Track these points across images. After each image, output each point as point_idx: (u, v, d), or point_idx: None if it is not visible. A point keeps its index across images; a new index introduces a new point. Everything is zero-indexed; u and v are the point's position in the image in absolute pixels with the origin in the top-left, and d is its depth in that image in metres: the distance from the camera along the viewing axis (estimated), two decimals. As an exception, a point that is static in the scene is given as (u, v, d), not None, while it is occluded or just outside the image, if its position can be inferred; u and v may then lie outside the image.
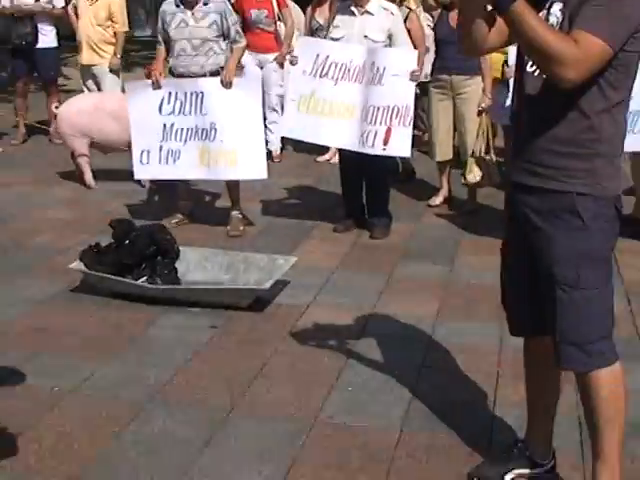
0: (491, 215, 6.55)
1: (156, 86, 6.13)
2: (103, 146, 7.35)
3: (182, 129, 6.12)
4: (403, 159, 7.66)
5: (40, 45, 9.07)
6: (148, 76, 6.37)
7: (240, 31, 6.32)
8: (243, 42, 6.28)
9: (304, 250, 5.93)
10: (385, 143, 6.01)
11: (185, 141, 6.13)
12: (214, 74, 6.09)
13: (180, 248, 5.23)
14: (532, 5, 2.58)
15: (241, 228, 6.29)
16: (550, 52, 2.50)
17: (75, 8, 8.86)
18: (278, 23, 8.60)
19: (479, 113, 6.62)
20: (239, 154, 6.01)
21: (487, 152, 6.70)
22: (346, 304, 4.94)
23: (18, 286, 5.16)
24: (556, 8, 2.72)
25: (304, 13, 8.81)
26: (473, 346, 4.37)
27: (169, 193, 6.93)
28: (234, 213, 6.37)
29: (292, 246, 5.99)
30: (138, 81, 6.76)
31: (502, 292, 3.16)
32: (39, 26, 9.04)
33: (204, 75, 6.10)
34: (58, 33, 9.32)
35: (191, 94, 6.06)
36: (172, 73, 6.23)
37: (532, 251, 2.86)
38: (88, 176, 7.50)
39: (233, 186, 6.39)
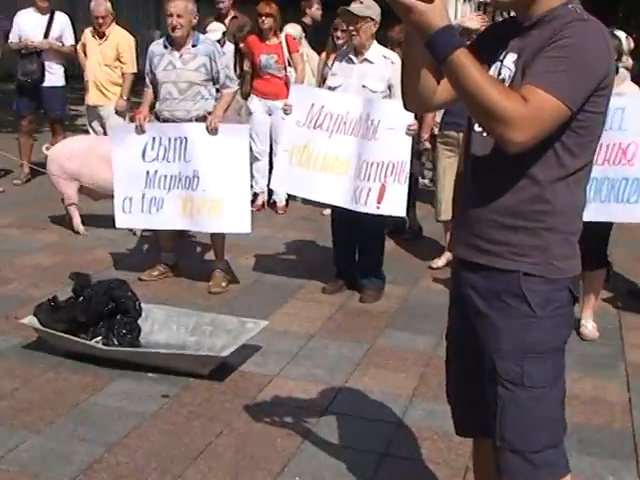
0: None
1: (140, 131, 5.83)
2: (93, 191, 7.05)
3: (165, 176, 5.80)
4: (408, 214, 7.27)
5: (47, 83, 8.86)
6: (133, 120, 6.08)
7: (232, 75, 6.01)
8: (234, 87, 5.97)
9: (285, 312, 5.55)
10: (379, 201, 5.62)
11: (168, 189, 5.80)
12: (201, 120, 5.77)
13: (145, 306, 4.88)
14: (484, 55, 2.21)
15: (223, 285, 5.93)
16: (493, 110, 2.12)
17: (84, 46, 8.66)
18: (289, 68, 8.31)
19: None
20: (222, 205, 5.66)
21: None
22: (316, 376, 4.55)
23: (-32, 339, 4.84)
24: (509, 60, 2.35)
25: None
26: (445, 433, 3.92)
27: (155, 243, 6.60)
28: (217, 268, 6.02)
29: (274, 307, 5.62)
30: (122, 125, 6.49)
31: (446, 385, 2.76)
32: (47, 64, 8.83)
33: (190, 121, 5.78)
34: (66, 72, 9.10)
35: (175, 140, 5.75)
36: (158, 118, 5.93)
37: (476, 338, 2.46)
38: (76, 221, 7.21)
39: (217, 239, 6.05)
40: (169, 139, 5.76)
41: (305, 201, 8.53)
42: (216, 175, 5.68)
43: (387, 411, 4.16)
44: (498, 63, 2.36)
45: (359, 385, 4.45)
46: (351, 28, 5.65)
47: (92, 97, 8.59)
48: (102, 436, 3.78)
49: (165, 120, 5.86)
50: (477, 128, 2.38)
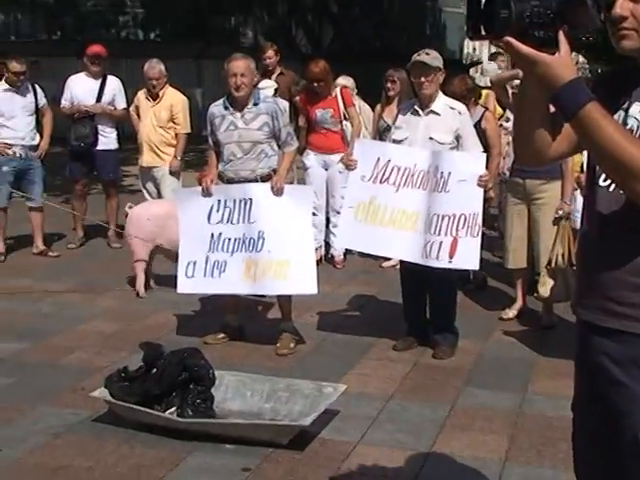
0: (570, 332, 5.87)
1: (206, 193, 5.73)
2: (171, 253, 6.91)
3: (229, 239, 5.67)
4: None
5: (100, 147, 8.82)
6: (200, 182, 5.98)
7: (292, 133, 5.90)
8: (295, 145, 5.86)
9: (359, 373, 5.36)
10: (451, 256, 5.43)
11: (232, 252, 5.66)
12: (266, 178, 5.65)
13: (217, 372, 4.71)
14: (605, 106, 2.04)
15: (291, 346, 5.76)
16: (632, 167, 1.96)
17: (137, 109, 8.63)
18: (344, 122, 8.20)
19: (556, 221, 6.01)
20: (288, 266, 5.51)
21: (569, 263, 6.07)
22: (400, 441, 4.33)
23: (37, 415, 4.67)
24: (636, 109, 2.18)
25: (373, 111, 8.46)
26: (547, 500, 3.71)
27: (219, 305, 6.45)
28: (284, 330, 5.85)
29: (346, 367, 5.42)
30: (189, 188, 6.39)
31: (574, 459, 2.54)
32: (99, 127, 8.80)
33: (255, 179, 5.67)
34: (119, 134, 9.08)
35: (240, 201, 5.63)
36: (221, 178, 5.82)
37: (609, 410, 2.25)
38: (140, 282, 7.11)
39: (284, 299, 5.89)
40: (234, 201, 5.65)
41: (363, 254, 8.34)
42: (281, 236, 5.55)
43: (481, 478, 3.93)
44: (621, 112, 2.19)
45: (447, 449, 4.23)
46: (422, 80, 5.51)
47: (146, 159, 8.53)
48: (186, 516, 3.60)
49: (229, 180, 5.74)
50: (602, 183, 2.21)
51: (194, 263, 5.75)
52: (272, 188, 5.58)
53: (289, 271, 5.51)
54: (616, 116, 2.21)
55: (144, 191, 8.71)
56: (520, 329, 6.25)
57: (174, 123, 8.45)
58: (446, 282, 5.72)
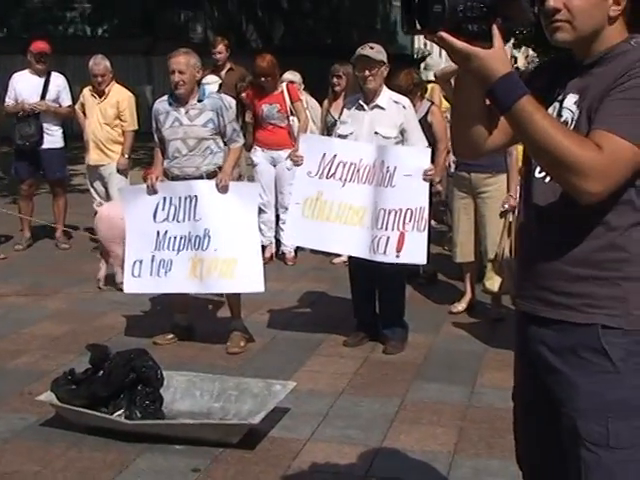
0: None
1: (151, 191, 5.67)
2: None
3: (175, 237, 5.62)
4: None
5: (46, 145, 8.69)
6: (145, 180, 5.91)
7: (238, 129, 5.85)
8: (240, 141, 5.82)
9: (309, 370, 5.35)
10: (398, 250, 5.43)
11: (178, 251, 5.61)
12: (211, 175, 5.61)
13: (166, 373, 4.67)
14: (538, 96, 2.05)
15: (242, 344, 5.72)
16: (567, 160, 1.97)
17: (83, 106, 8.51)
18: (291, 118, 8.18)
19: (502, 214, 6.05)
20: (234, 265, 5.46)
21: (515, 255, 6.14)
22: (351, 437, 4.33)
23: (-17, 421, 4.61)
24: (571, 101, 2.19)
25: (321, 106, 8.44)
26: (495, 493, 3.73)
27: (168, 304, 6.40)
28: (234, 328, 5.81)
29: (296, 365, 5.42)
30: (134, 186, 6.33)
31: (516, 448, 2.56)
32: (45, 126, 8.66)
33: (201, 176, 5.62)
34: (65, 132, 8.94)
35: (185, 199, 5.58)
36: (167, 175, 5.76)
37: (549, 398, 2.27)
38: (102, 274, 7.07)
39: (233, 298, 5.85)
40: (179, 198, 5.59)
41: (314, 251, 8.33)
42: (227, 234, 5.51)
43: (430, 472, 3.95)
44: (556, 104, 2.21)
45: (397, 444, 4.24)
46: (366, 74, 5.50)
47: (93, 157, 8.42)
48: (135, 519, 3.56)
49: (174, 177, 5.69)
50: (538, 174, 2.23)
51: (140, 262, 5.69)
52: (217, 185, 5.53)
53: (235, 269, 5.47)
54: (551, 108, 2.23)
55: (92, 190, 8.60)
56: (469, 322, 6.30)
57: (121, 120, 8.36)
58: (394, 277, 5.72)
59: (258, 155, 8.20)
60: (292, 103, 8.10)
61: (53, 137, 8.77)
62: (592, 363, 2.17)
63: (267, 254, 8.29)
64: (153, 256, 5.67)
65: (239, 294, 5.82)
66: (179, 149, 5.62)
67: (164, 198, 5.65)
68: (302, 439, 4.32)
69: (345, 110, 5.77)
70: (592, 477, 2.18)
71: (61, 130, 8.87)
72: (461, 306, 6.53)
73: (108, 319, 6.42)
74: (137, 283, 5.73)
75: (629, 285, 2.16)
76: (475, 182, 6.26)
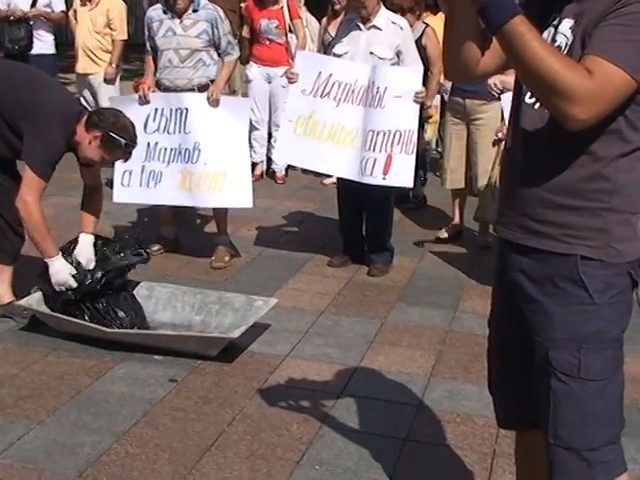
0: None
1: (143, 101, 5.58)
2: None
3: (165, 149, 5.56)
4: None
5: (35, 51, 8.49)
6: (137, 90, 5.81)
7: (233, 42, 5.73)
8: (235, 54, 5.71)
9: (292, 287, 5.36)
10: (385, 172, 5.38)
11: (168, 162, 5.56)
12: (203, 88, 5.52)
13: (148, 284, 4.69)
14: (534, 21, 1.99)
15: (226, 259, 5.72)
16: (556, 85, 1.91)
17: (75, 13, 8.34)
18: (290, 35, 8.03)
19: (495, 142, 5.98)
20: (223, 179, 5.43)
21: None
22: (329, 355, 4.36)
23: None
24: (566, 26, 2.11)
25: (320, 25, 8.28)
26: (467, 415, 3.76)
27: (155, 216, 6.37)
28: (219, 243, 5.80)
29: (280, 282, 5.42)
30: (125, 96, 6.23)
31: (488, 375, 2.56)
32: (36, 32, 8.46)
33: (192, 89, 5.53)
34: (56, 39, 8.76)
35: (176, 110, 5.50)
36: (158, 87, 5.66)
37: (524, 326, 2.26)
38: None
39: (220, 212, 5.82)
40: (170, 110, 5.52)
41: (305, 170, 8.28)
42: (217, 148, 5.45)
43: (406, 392, 3.98)
44: (551, 29, 2.14)
45: (374, 364, 4.26)
46: None
47: (82, 65, 8.28)
48: (109, 425, 3.57)
49: (166, 89, 5.60)
50: (528, 99, 2.17)
51: (130, 172, 5.64)
52: (208, 98, 5.45)
53: (224, 184, 5.43)
54: (546, 33, 2.16)
55: (81, 99, 8.46)
56: (456, 249, 6.29)
57: (110, 29, 8.20)
58: (382, 200, 5.69)
59: (253, 71, 8.08)
60: (291, 20, 7.96)
61: (43, 43, 8.55)
62: (569, 294, 2.15)
63: (257, 171, 8.26)
64: (143, 167, 5.62)
65: (226, 209, 5.80)
66: (171, 60, 5.52)
67: (155, 109, 5.58)
68: (281, 355, 4.34)
69: (342, 29, 5.66)
70: (561, 407, 2.17)
71: (52, 36, 8.66)
72: (447, 233, 6.51)
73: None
74: (126, 193, 5.69)
75: (612, 217, 2.12)
76: (469, 108, 6.17)
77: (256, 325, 4.51)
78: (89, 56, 8.21)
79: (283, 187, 8.11)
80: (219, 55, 5.63)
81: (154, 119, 5.56)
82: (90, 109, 7.87)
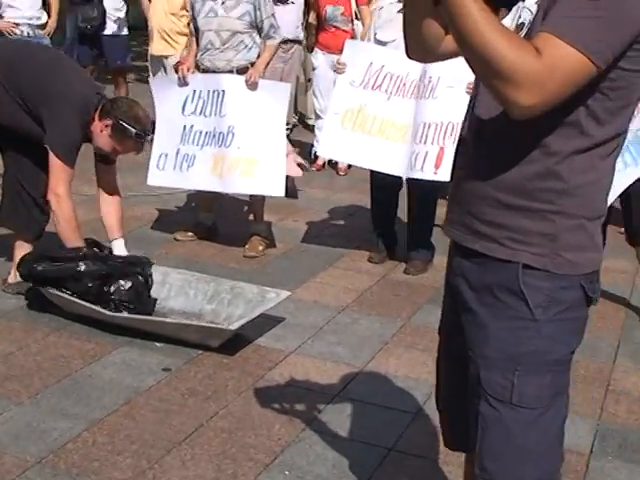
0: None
1: (183, 83, 5.48)
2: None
3: (200, 132, 5.44)
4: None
5: (108, 31, 8.57)
6: (177, 71, 5.71)
7: (276, 25, 5.53)
8: (278, 38, 5.53)
9: (320, 281, 5.16)
10: (437, 166, 5.08)
11: (202, 146, 5.43)
12: (243, 71, 5.37)
13: (163, 269, 4.58)
14: None
15: (260, 249, 5.56)
16: (497, 65, 1.65)
17: (149, -6, 8.32)
18: (356, 22, 7.81)
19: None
20: (256, 165, 5.26)
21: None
22: (338, 354, 4.15)
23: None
24: (532, 1, 1.86)
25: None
26: (466, 429, 3.50)
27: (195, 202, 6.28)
28: (254, 232, 5.65)
29: (309, 275, 5.24)
30: (165, 77, 6.15)
31: (436, 388, 2.33)
32: (108, 11, 8.53)
33: (231, 71, 5.39)
34: (128, 20, 8.79)
35: (213, 92, 5.37)
36: (198, 68, 5.55)
37: (464, 339, 2.02)
38: None
39: (257, 199, 5.68)
40: (208, 92, 5.39)
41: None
42: (252, 133, 5.29)
43: (407, 399, 3.74)
44: (520, 3, 1.88)
45: (382, 367, 4.04)
46: None
47: (156, 47, 8.22)
48: (87, 411, 3.46)
49: (205, 70, 5.48)
50: None
51: (166, 155, 5.55)
52: (246, 81, 5.30)
53: (257, 170, 5.27)
54: (515, 9, 1.91)
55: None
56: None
57: (187, 11, 8.12)
58: (428, 196, 5.42)
59: (319, 58, 7.91)
60: (358, 6, 7.73)
61: (116, 24, 8.63)
62: (508, 306, 1.88)
63: (319, 162, 8.08)
64: (178, 150, 5.52)
65: (264, 197, 5.64)
66: (212, 41, 5.40)
67: (194, 91, 5.47)
68: (286, 351, 4.15)
69: (382, 12, 5.40)
70: (489, 436, 1.93)
71: (125, 17, 8.71)
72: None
73: (137, 210, 6.33)
74: (160, 176, 5.60)
75: (562, 221, 1.84)
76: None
77: (271, 318, 4.38)
78: (164, 38, 8.15)
79: (344, 179, 7.90)
80: (261, 38, 5.46)
81: (192, 101, 5.45)
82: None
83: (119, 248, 4.59)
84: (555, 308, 1.86)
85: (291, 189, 6.40)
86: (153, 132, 4.77)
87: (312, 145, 8.26)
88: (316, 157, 8.04)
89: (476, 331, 1.95)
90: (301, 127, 9.48)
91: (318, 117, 7.95)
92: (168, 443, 3.27)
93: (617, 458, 3.38)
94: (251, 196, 5.71)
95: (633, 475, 3.28)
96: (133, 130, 4.23)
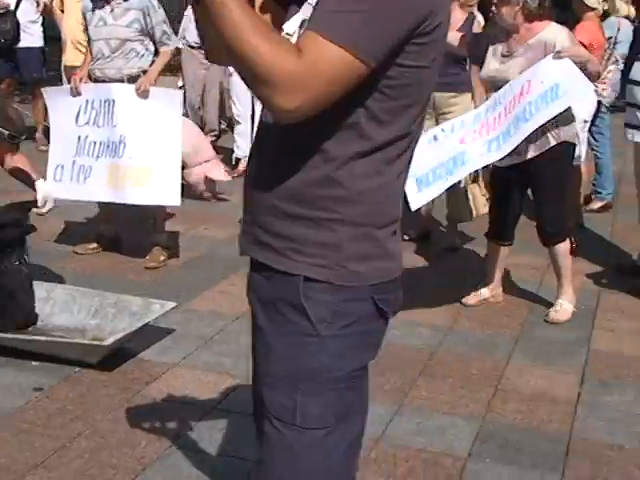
0: (475, 256, 5.58)
1: (75, 93, 5.35)
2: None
3: (95, 142, 5.30)
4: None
5: (23, 44, 8.40)
6: (70, 81, 5.59)
7: (169, 31, 5.41)
8: (171, 45, 5.42)
9: (220, 290, 5.05)
10: None
11: (97, 157, 5.29)
12: (133, 79, 5.25)
13: (47, 285, 4.45)
14: None
15: (161, 259, 5.44)
16: (255, 67, 1.53)
17: (61, 3, 8.17)
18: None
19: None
20: (149, 174, 5.13)
21: (474, 181, 5.72)
22: (223, 366, 4.04)
23: None
24: None
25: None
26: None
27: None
28: (155, 242, 5.53)
29: (210, 284, 5.12)
30: (58, 87, 6.03)
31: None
32: (22, 23, 8.36)
33: (122, 80, 5.27)
34: (44, 31, 8.63)
35: (104, 102, 5.24)
36: (90, 77, 5.42)
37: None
38: None
39: (154, 209, 5.54)
40: (100, 101, 5.26)
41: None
42: (144, 142, 5.15)
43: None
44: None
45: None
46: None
47: (69, 57, 8.09)
48: (-55, 437, 3.34)
49: (96, 80, 5.36)
50: None
51: (62, 167, 5.41)
52: (136, 90, 5.18)
53: (150, 179, 5.14)
54: (306, 5, 1.80)
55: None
56: (422, 250, 5.90)
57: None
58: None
59: (234, 64, 7.79)
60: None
61: (31, 36, 8.47)
62: (291, 322, 1.77)
63: (240, 168, 7.95)
64: (74, 161, 5.38)
65: (163, 207, 5.52)
66: (102, 50, 5.29)
67: (86, 101, 5.34)
68: (170, 364, 4.04)
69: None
70: (272, 458, 1.82)
71: (40, 29, 8.56)
72: (414, 233, 6.12)
73: (37, 223, 6.14)
74: (58, 187, 5.42)
75: (345, 230, 1.73)
76: (439, 102, 5.75)
77: (160, 330, 4.27)
78: (78, 49, 8.00)
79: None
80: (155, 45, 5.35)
81: (85, 111, 5.32)
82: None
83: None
84: (340, 322, 1.76)
85: (212, 193, 6.31)
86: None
87: (233, 151, 8.15)
88: (237, 163, 7.93)
89: (263, 348, 1.85)
90: (231, 133, 9.34)
91: (237, 123, 7.84)
92: (25, 466, 3.14)
93: (496, 460, 3.31)
94: (150, 206, 5.58)
95: (511, 478, 3.21)
96: (5, 132, 4.11)
